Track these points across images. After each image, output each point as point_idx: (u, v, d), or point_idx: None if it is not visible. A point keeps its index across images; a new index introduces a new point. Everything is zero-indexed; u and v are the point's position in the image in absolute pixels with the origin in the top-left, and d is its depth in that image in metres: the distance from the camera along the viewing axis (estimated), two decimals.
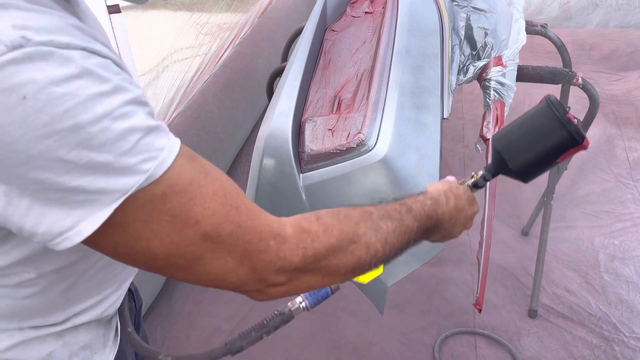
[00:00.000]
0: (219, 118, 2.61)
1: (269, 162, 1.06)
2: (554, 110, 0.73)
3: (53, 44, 0.45)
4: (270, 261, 0.57)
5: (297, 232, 0.59)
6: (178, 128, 2.35)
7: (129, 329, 0.77)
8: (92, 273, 0.69)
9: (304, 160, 1.05)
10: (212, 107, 2.59)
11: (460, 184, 0.87)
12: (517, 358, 1.79)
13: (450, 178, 0.87)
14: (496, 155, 0.80)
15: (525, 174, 0.79)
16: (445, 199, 0.78)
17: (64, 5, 0.54)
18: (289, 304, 0.77)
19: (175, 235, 0.51)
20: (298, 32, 1.72)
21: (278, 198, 1.07)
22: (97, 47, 0.48)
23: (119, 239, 0.51)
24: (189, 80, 2.54)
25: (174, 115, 2.42)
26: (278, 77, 1.60)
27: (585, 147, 0.74)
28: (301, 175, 1.05)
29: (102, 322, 0.77)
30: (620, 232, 2.27)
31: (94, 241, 0.51)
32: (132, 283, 0.88)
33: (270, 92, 1.70)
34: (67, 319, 0.70)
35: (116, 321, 0.81)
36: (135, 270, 0.80)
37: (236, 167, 2.77)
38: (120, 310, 0.80)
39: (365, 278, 0.78)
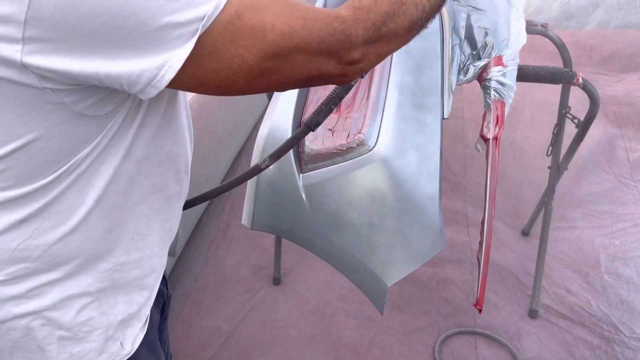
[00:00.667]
0: (219, 118, 2.61)
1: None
2: None
3: None
4: (342, 40, 0.62)
5: (351, 11, 0.63)
6: None
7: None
8: (134, 215, 0.73)
9: (304, 160, 1.05)
10: (212, 107, 2.59)
11: None
12: (517, 358, 1.78)
13: None
14: None
15: None
16: None
17: None
18: None
19: (260, 43, 0.58)
20: None
21: (278, 198, 1.06)
22: None
23: (216, 64, 0.58)
24: None
25: None
26: None
27: None
28: (301, 175, 1.05)
29: (140, 290, 0.79)
30: (620, 232, 2.27)
31: (197, 75, 0.58)
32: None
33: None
34: (107, 272, 0.72)
35: (151, 304, 0.83)
36: (173, 235, 0.84)
37: (236, 167, 2.77)
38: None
39: None
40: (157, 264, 0.81)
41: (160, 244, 0.80)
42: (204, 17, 0.54)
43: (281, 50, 0.59)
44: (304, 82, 0.66)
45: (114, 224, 0.71)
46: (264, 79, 0.61)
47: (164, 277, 0.90)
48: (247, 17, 0.57)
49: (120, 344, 0.77)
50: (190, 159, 0.84)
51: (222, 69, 0.58)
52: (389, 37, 0.66)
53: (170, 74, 0.56)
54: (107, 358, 0.76)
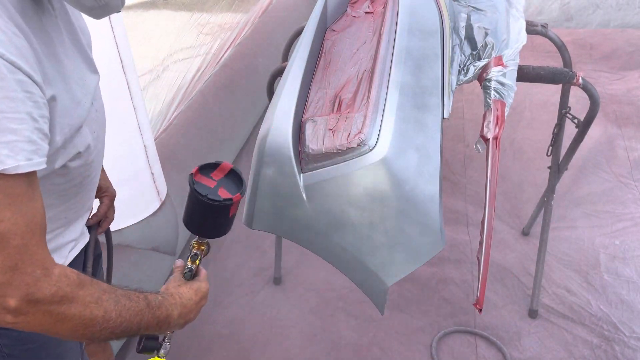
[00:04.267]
0: (219, 118, 2.61)
1: (269, 162, 1.06)
2: (195, 191, 0.87)
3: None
4: (27, 284, 0.65)
5: (60, 273, 0.68)
6: (178, 128, 2.35)
7: None
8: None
9: (305, 160, 1.05)
10: (212, 107, 2.59)
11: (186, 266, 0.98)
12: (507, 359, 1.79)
13: (178, 262, 1.00)
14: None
15: (208, 235, 0.96)
16: (175, 298, 0.90)
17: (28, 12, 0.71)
18: None
19: None
20: (298, 32, 1.72)
21: (278, 198, 1.07)
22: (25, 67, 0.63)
23: None
24: (189, 80, 2.54)
25: (174, 115, 2.42)
26: (278, 77, 1.60)
27: (235, 202, 0.89)
28: (301, 175, 1.05)
29: None
30: (620, 232, 2.27)
31: None
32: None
33: (270, 92, 1.70)
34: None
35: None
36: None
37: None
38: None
39: None
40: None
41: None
42: None
43: None
44: None
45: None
46: None
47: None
48: None
49: None
50: None
51: None
52: (62, 316, 0.69)
53: None
54: None
